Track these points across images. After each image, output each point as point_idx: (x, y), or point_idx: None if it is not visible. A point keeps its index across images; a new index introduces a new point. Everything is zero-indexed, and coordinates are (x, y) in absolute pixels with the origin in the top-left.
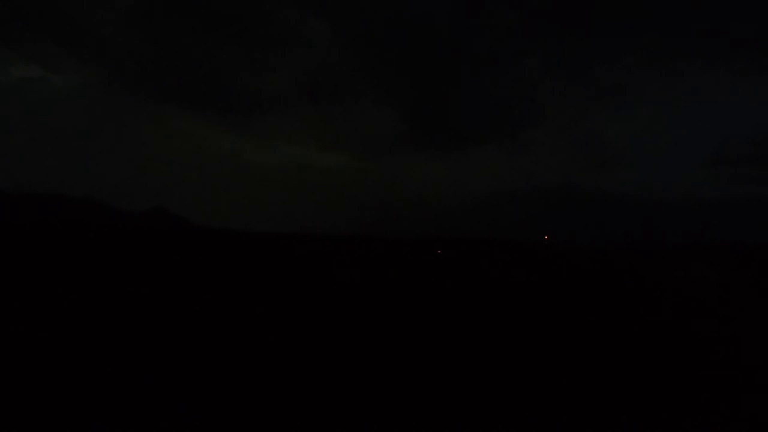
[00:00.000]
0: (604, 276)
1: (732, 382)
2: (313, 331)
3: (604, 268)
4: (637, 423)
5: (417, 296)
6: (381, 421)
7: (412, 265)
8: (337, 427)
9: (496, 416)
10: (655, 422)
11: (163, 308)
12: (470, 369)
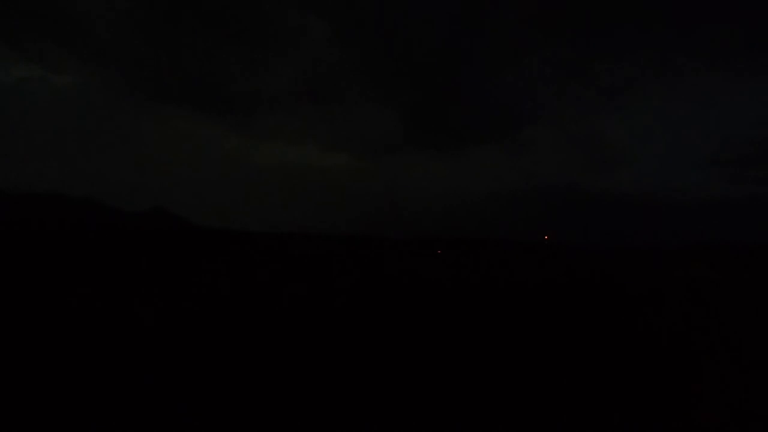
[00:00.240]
0: (604, 276)
1: (732, 382)
2: (313, 331)
3: (604, 268)
4: (637, 423)
5: (417, 296)
6: (381, 421)
7: (412, 265)
8: (337, 428)
9: (496, 416)
10: (656, 422)
11: (163, 308)
12: (470, 369)
